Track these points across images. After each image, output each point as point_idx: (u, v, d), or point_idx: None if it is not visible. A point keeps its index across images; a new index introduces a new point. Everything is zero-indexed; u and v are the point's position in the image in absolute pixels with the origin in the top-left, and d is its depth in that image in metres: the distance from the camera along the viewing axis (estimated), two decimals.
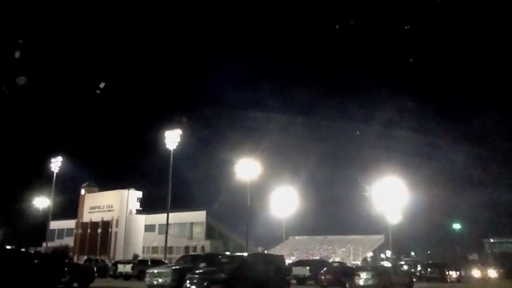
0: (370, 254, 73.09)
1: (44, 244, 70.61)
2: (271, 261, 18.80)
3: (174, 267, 18.55)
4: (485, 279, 30.68)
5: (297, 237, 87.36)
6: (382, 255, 70.69)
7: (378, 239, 73.91)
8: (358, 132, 59.99)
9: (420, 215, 61.76)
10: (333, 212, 78.69)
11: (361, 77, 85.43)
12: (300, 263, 28.12)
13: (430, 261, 35.11)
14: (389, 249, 68.37)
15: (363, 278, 20.33)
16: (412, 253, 70.49)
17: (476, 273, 31.28)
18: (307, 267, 25.86)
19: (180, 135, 52.92)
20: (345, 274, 22.42)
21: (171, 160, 51.54)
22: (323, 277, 22.78)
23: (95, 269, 21.27)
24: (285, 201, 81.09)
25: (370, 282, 19.98)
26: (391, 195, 60.07)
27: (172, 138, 52.08)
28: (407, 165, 62.07)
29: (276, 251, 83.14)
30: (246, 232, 52.37)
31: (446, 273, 29.72)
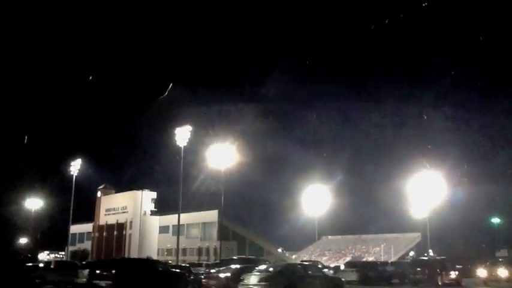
0: (411, 253, 67.56)
1: (66, 248, 70.28)
2: None
3: None
4: (488, 281, 24.32)
5: (329, 237, 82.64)
6: (426, 254, 64.61)
7: (415, 237, 67.76)
8: (425, 117, 55.16)
9: (459, 210, 56.63)
10: (368, 209, 74.29)
11: (395, 66, 79.23)
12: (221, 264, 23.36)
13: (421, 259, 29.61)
14: (428, 248, 63.17)
15: (248, 284, 15.21)
16: None
17: (481, 272, 24.94)
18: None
19: (191, 132, 50.30)
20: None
21: (182, 157, 49.09)
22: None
23: None
24: (317, 200, 76.85)
25: None
26: (428, 190, 56.33)
27: (182, 135, 49.48)
28: (445, 158, 58.09)
29: (307, 251, 78.93)
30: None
31: (439, 273, 23.88)
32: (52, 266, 23.81)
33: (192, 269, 25.58)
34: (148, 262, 21.63)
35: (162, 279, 18.08)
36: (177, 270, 20.44)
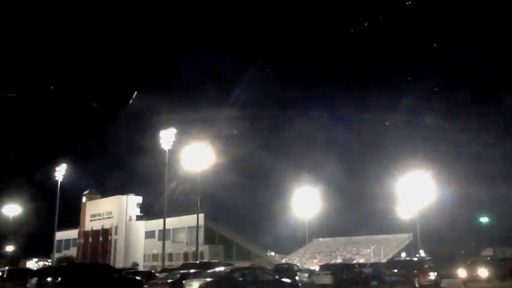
0: (403, 254, 66.78)
1: (52, 256, 69.05)
2: None
3: None
4: (468, 281, 23.45)
5: (320, 239, 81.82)
6: (417, 255, 64.04)
7: (405, 237, 67.24)
8: (386, 123, 55.44)
9: (448, 209, 56.36)
10: (358, 211, 73.78)
11: (384, 67, 78.73)
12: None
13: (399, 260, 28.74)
14: (419, 248, 62.58)
15: None
16: None
17: (461, 272, 24.03)
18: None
19: (175, 134, 49.31)
20: None
21: (167, 161, 48.12)
22: None
23: None
24: (307, 202, 75.94)
25: None
26: (417, 191, 55.72)
27: (167, 137, 48.50)
28: (434, 158, 57.79)
29: (298, 254, 77.90)
30: None
31: (417, 274, 22.91)
32: (5, 275, 22.86)
33: (160, 274, 24.58)
34: (102, 268, 20.65)
35: (114, 287, 17.10)
36: (136, 277, 19.44)
